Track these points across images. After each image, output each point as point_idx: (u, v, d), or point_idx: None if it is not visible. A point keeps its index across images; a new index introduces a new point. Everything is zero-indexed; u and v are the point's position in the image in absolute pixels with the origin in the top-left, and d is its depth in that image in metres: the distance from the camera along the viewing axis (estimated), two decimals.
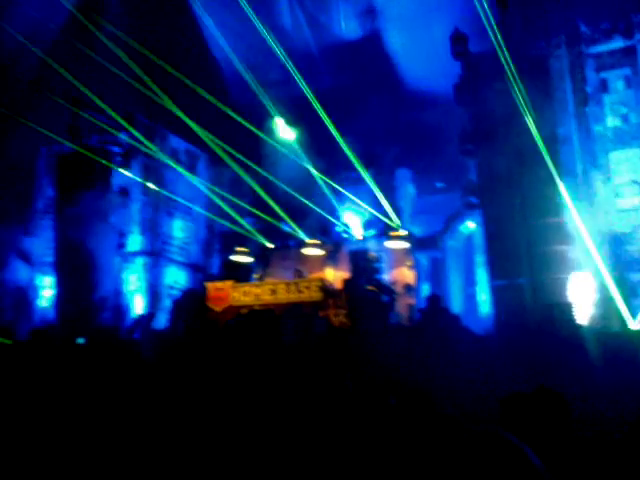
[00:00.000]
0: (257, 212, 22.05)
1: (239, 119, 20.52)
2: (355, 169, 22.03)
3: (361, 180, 22.47)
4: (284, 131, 21.45)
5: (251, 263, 21.30)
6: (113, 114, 22.14)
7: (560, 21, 20.57)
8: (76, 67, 23.67)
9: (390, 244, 19.67)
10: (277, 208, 21.01)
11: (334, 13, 30.37)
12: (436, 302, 13.78)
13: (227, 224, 22.75)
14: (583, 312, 13.61)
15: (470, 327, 13.30)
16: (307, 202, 20.96)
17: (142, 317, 17.05)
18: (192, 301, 17.82)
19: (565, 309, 12.64)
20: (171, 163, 23.89)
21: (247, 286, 19.10)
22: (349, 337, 13.50)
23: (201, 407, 8.31)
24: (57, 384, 9.63)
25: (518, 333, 11.74)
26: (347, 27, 30.66)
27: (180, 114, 21.20)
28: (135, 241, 21.76)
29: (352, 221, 21.58)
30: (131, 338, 14.65)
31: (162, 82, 24.31)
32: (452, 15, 24.07)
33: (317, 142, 21.88)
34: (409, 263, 19.36)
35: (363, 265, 19.61)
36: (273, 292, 18.27)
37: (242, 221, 22.36)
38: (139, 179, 22.55)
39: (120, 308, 19.81)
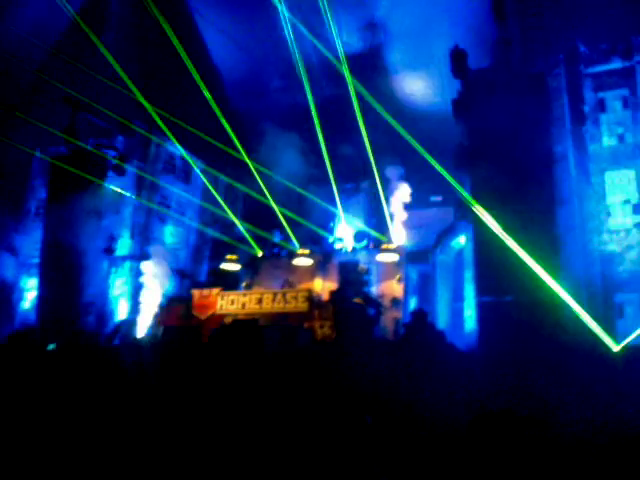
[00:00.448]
0: (249, 220, 21.91)
1: (230, 130, 20.44)
2: (349, 180, 21.94)
3: (355, 191, 22.35)
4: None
5: (240, 271, 21.10)
6: (110, 117, 22.12)
7: (559, 40, 20.61)
8: (75, 71, 23.74)
9: (381, 257, 19.47)
10: (269, 217, 20.88)
11: (336, 26, 30.50)
12: (421, 317, 13.54)
13: (217, 234, 22.63)
14: (566, 332, 13.38)
15: (455, 343, 13.06)
16: (300, 212, 20.82)
17: (123, 322, 16.79)
18: (176, 308, 17.58)
19: (551, 329, 12.41)
20: (166, 168, 23.82)
21: (234, 294, 18.86)
22: (331, 350, 13.24)
23: (177, 416, 8.04)
24: (26, 389, 9.36)
25: (502, 351, 11.50)
26: (349, 40, 30.77)
27: (179, 121, 21.19)
28: (124, 245, 21.58)
29: (343, 232, 21.41)
30: (109, 345, 14.38)
31: (161, 88, 24.36)
32: (452, 32, 24.14)
33: (313, 152, 21.81)
34: (398, 276, 19.14)
35: (352, 277, 19.41)
36: (259, 301, 18.03)
37: (234, 228, 22.21)
38: (132, 183, 22.45)
39: (104, 313, 19.56)
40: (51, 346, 12.76)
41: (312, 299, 17.42)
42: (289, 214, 20.80)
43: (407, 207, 21.74)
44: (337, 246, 21.36)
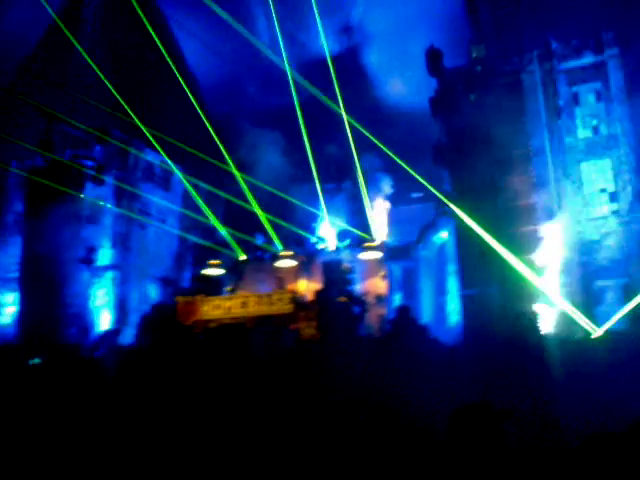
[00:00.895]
0: (231, 224, 21.79)
1: (212, 133, 20.36)
2: (331, 181, 21.94)
3: (336, 191, 22.37)
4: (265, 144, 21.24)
5: (223, 276, 20.97)
6: (87, 128, 21.90)
7: (532, 38, 20.89)
8: (48, 83, 23.49)
9: (364, 255, 19.49)
10: (252, 220, 20.79)
11: (312, 30, 30.66)
12: (405, 313, 13.55)
13: (199, 239, 22.47)
14: (548, 320, 13.47)
15: (439, 337, 13.06)
16: (282, 214, 20.76)
17: (107, 333, 16.59)
18: (161, 316, 17.39)
19: (531, 318, 12.49)
20: (145, 176, 23.64)
21: (218, 299, 18.75)
22: (317, 350, 13.19)
23: (166, 422, 7.91)
24: (11, 405, 9.16)
25: (485, 342, 11.53)
26: (325, 43, 30.90)
27: (158, 128, 21.03)
28: (105, 255, 21.32)
29: (326, 232, 21.41)
30: (92, 356, 14.17)
31: (138, 96, 24.16)
32: (428, 32, 24.38)
33: (294, 154, 21.81)
34: (382, 273, 19.18)
35: (335, 276, 19.38)
36: (244, 305, 17.94)
37: (216, 233, 22.07)
38: (112, 192, 22.23)
39: (86, 324, 19.27)
40: (36, 360, 12.53)
41: (297, 300, 17.37)
42: (271, 217, 20.74)
43: (389, 204, 21.83)
44: (320, 246, 21.35)
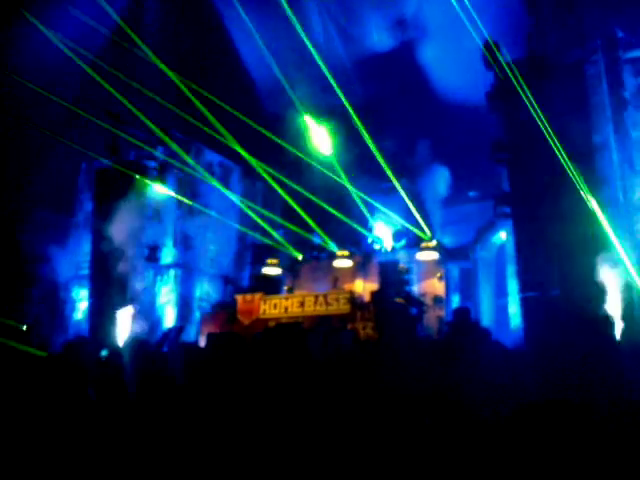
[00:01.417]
0: (288, 224, 22.11)
1: (268, 133, 20.67)
2: (387, 180, 21.85)
3: (393, 191, 22.27)
4: (321, 142, 21.27)
5: (281, 275, 21.37)
6: (153, 127, 22.64)
7: (596, 27, 20.06)
8: (114, 85, 24.44)
9: (421, 255, 19.40)
10: (308, 220, 21.02)
11: (365, 25, 30.45)
12: (464, 315, 13.45)
13: (258, 236, 22.90)
14: (618, 326, 13.03)
15: (500, 340, 12.91)
16: (338, 213, 20.89)
17: (171, 330, 17.29)
18: (221, 314, 17.96)
19: (603, 324, 12.09)
20: (205, 176, 24.29)
21: (276, 298, 19.14)
22: (375, 351, 13.31)
23: (226, 421, 8.30)
24: (87, 395, 9.81)
25: (550, 347, 11.31)
26: (379, 39, 30.66)
27: (216, 128, 21.53)
28: (168, 254, 22.16)
29: (383, 232, 21.40)
30: (159, 351, 14.85)
31: (197, 97, 24.79)
32: (484, 24, 23.76)
33: (349, 153, 21.83)
34: (439, 274, 19.05)
35: (392, 277, 19.38)
36: (301, 305, 18.24)
37: (273, 233, 22.46)
38: (174, 192, 22.99)
39: (152, 320, 20.13)
40: (104, 352, 13.36)
41: (354, 300, 17.53)
42: (330, 210, 20.72)
43: (446, 204, 21.59)
44: (376, 246, 21.38)
